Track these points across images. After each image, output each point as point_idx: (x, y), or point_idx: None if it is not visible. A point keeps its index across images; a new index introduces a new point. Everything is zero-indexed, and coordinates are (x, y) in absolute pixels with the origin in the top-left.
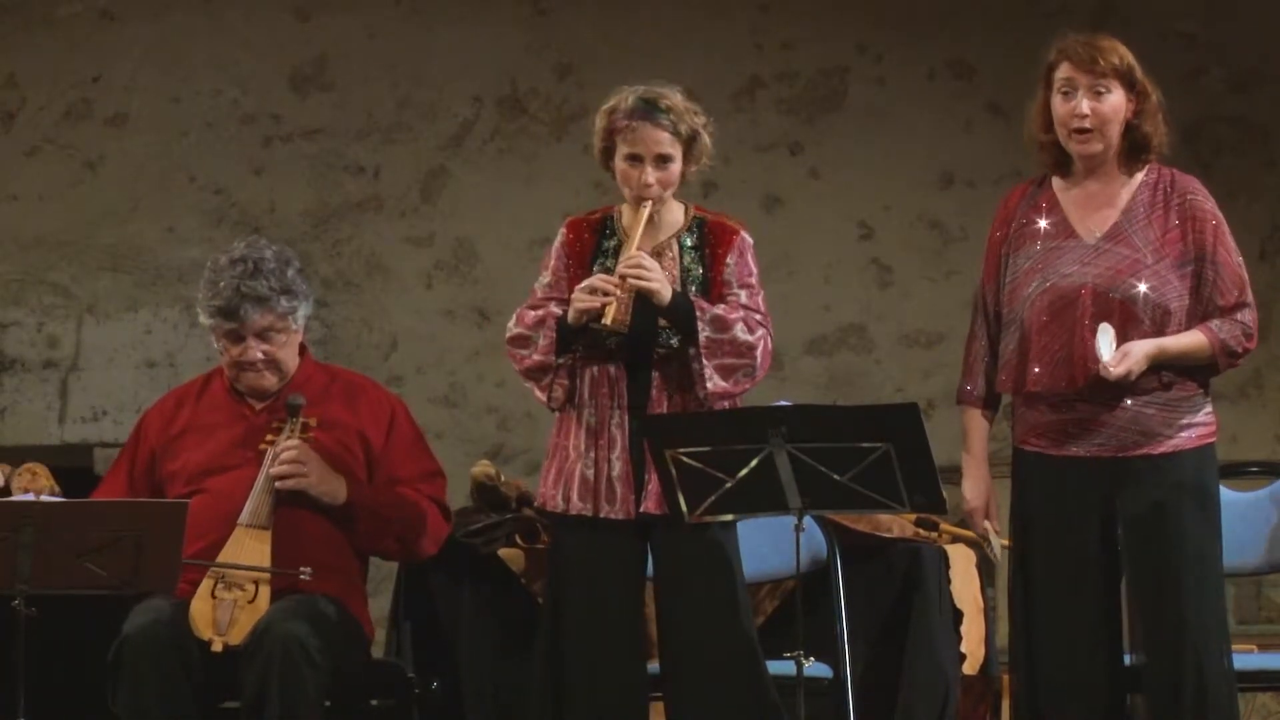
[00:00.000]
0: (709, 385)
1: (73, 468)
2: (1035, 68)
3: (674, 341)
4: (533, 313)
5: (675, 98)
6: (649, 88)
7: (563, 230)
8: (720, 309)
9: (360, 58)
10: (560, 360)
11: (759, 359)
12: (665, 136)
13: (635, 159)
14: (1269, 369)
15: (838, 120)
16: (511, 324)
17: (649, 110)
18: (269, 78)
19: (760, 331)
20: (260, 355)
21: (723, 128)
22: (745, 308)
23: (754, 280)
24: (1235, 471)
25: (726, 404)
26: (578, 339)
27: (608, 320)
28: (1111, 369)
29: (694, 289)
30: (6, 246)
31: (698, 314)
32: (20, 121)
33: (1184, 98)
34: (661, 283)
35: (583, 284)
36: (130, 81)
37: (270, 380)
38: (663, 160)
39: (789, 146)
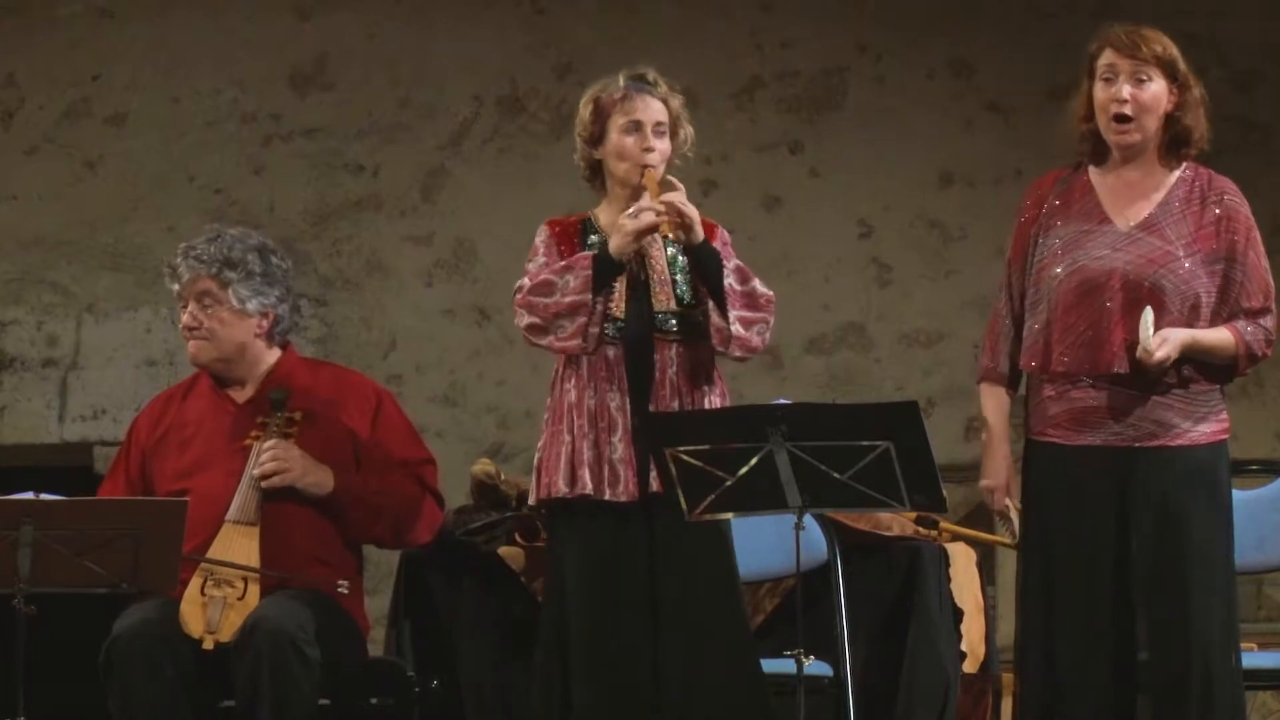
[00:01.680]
0: (733, 329)
1: (72, 466)
2: (1035, 67)
3: (673, 323)
4: (552, 267)
5: (661, 77)
6: (636, 69)
7: (544, 228)
8: (739, 262)
9: (360, 57)
10: (597, 299)
11: (771, 318)
12: (659, 106)
13: (635, 125)
14: (1269, 368)
15: (838, 119)
16: (525, 281)
17: (640, 82)
18: (269, 77)
19: (771, 293)
20: (192, 319)
21: (723, 127)
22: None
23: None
24: (1236, 469)
25: (739, 355)
26: (616, 277)
27: (669, 233)
28: (1154, 352)
29: (681, 279)
30: (6, 245)
31: (724, 261)
32: (20, 120)
33: None
34: (697, 222)
35: (629, 210)
36: (130, 81)
37: (204, 351)
38: (661, 130)
39: (789, 146)
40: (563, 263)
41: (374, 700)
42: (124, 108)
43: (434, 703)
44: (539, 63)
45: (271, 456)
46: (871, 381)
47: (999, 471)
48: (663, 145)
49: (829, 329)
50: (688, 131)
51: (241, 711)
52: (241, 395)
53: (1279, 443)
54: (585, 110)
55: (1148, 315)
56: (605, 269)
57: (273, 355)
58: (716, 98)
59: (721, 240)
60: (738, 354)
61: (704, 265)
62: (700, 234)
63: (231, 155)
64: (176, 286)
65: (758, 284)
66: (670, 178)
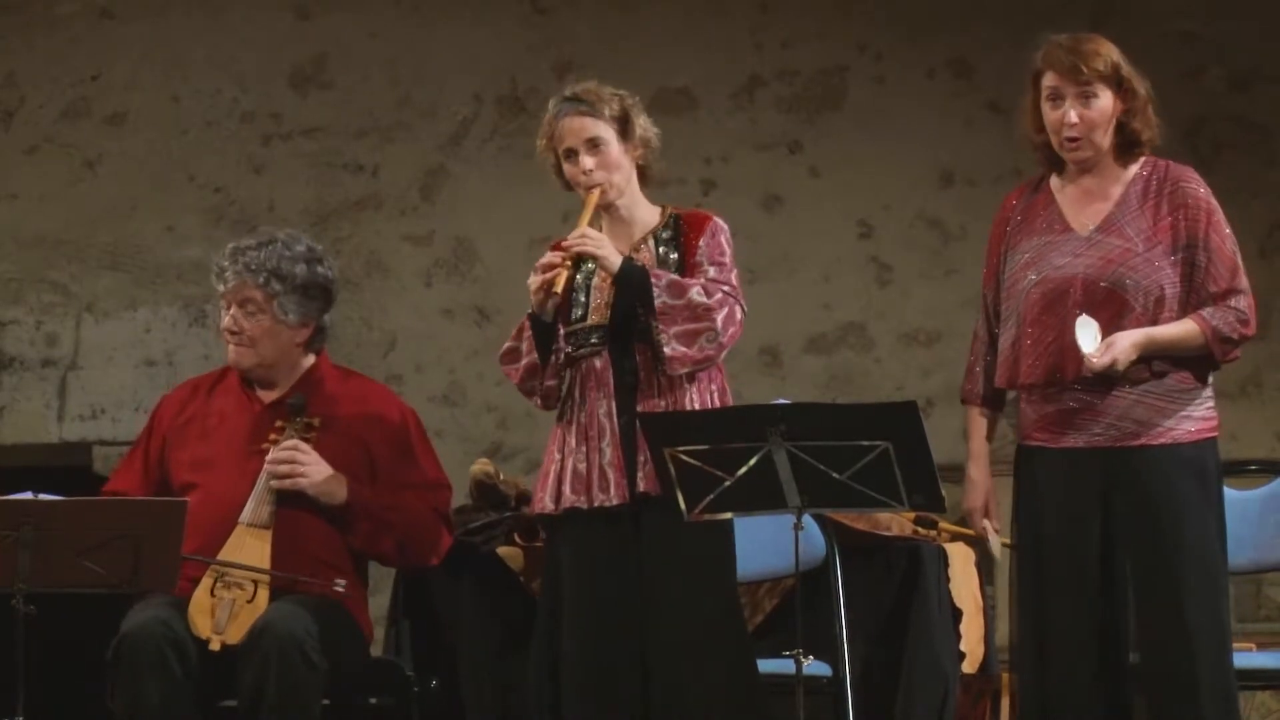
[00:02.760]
0: (666, 351)
1: (71, 466)
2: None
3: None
4: (514, 332)
5: (591, 85)
6: (568, 88)
7: (548, 253)
8: (676, 276)
9: (360, 56)
10: (546, 359)
11: (720, 323)
12: (587, 121)
13: (570, 154)
14: (1268, 367)
15: (838, 119)
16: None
17: (567, 104)
18: (269, 76)
19: (719, 295)
20: (233, 323)
21: (722, 126)
22: (712, 280)
23: (725, 259)
24: (1235, 469)
25: (686, 370)
26: (554, 332)
27: (559, 289)
28: (1094, 360)
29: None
30: (6, 245)
31: (652, 280)
32: (19, 120)
33: (1183, 96)
34: (608, 250)
35: (534, 268)
36: (129, 80)
37: (245, 357)
38: (594, 144)
39: (789, 145)
40: (518, 326)
41: (373, 700)
42: (124, 107)
43: (433, 703)
44: (539, 62)
45: (288, 458)
46: (871, 381)
47: (978, 494)
48: (601, 157)
49: (829, 328)
50: (640, 124)
51: (243, 712)
52: (269, 396)
53: (1278, 443)
54: (540, 144)
55: (1085, 326)
56: (539, 330)
57: (307, 361)
58: (716, 97)
59: (712, 231)
60: (679, 370)
61: (629, 291)
62: (614, 263)
63: (231, 154)
64: (222, 287)
65: (695, 294)
66: (587, 227)
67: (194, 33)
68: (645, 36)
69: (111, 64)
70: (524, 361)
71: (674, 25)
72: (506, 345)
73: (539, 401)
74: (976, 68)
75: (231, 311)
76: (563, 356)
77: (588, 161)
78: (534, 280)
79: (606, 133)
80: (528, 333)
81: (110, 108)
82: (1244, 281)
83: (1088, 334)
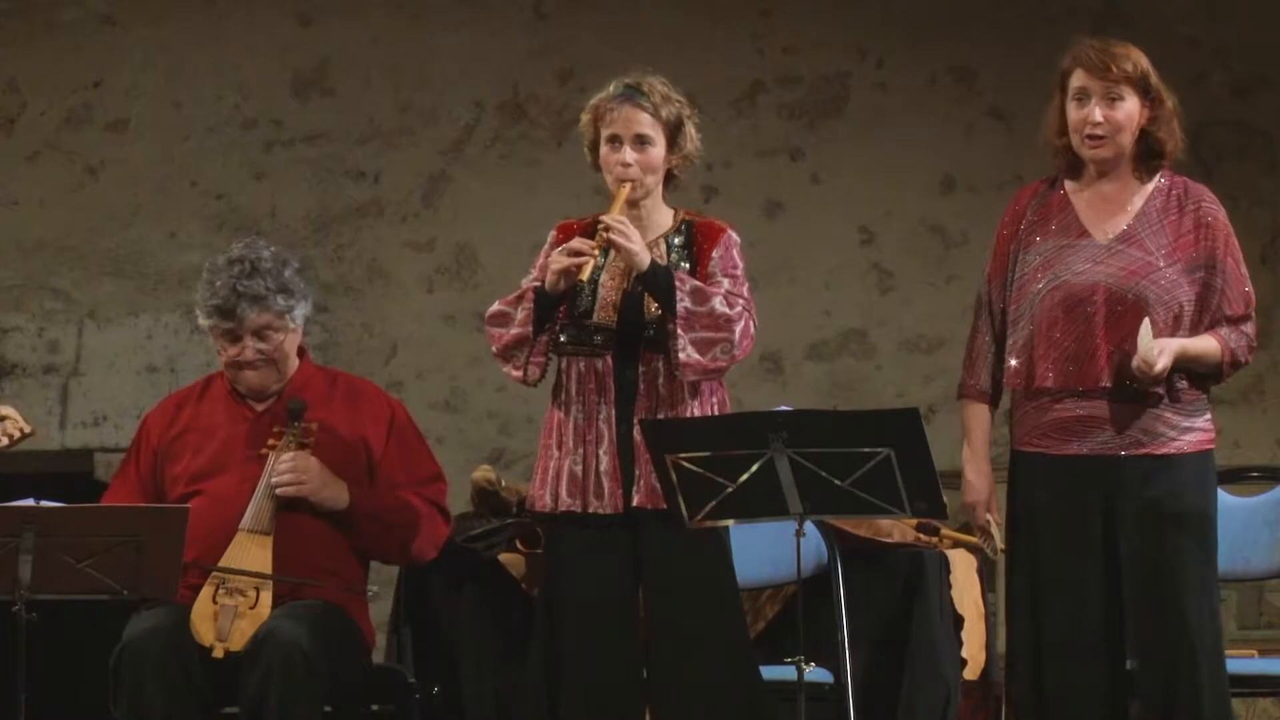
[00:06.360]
0: (681, 356)
1: (73, 473)
2: (1037, 72)
3: (658, 330)
4: (508, 297)
5: (658, 84)
6: (634, 76)
7: (553, 232)
8: (699, 282)
9: (361, 63)
10: (539, 335)
11: (737, 336)
12: (645, 117)
13: (615, 140)
14: (1270, 374)
15: (839, 125)
16: (495, 305)
17: (630, 93)
18: (270, 83)
19: (739, 308)
20: (257, 354)
21: (724, 133)
22: (729, 293)
23: (739, 272)
24: (1236, 476)
25: (696, 378)
26: (555, 311)
27: (584, 277)
28: (1154, 364)
29: None
30: (8, 252)
31: (677, 284)
32: (21, 126)
33: (1186, 102)
34: (640, 246)
35: (560, 247)
36: (131, 86)
37: (269, 378)
38: (641, 141)
39: (790, 152)
40: (519, 291)
41: (375, 707)
42: (125, 113)
43: (435, 709)
44: (541, 68)
45: (290, 468)
46: (872, 388)
47: (980, 488)
48: (644, 156)
49: (830, 335)
50: (690, 136)
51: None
52: (261, 404)
53: (1279, 449)
54: (585, 118)
55: (1146, 326)
56: (543, 304)
57: (295, 364)
58: (718, 104)
59: (725, 244)
60: (691, 377)
61: (652, 292)
62: (644, 261)
63: (233, 161)
64: (230, 324)
65: (718, 303)
66: (621, 217)
67: (195, 39)
68: (646, 42)
69: (113, 70)
70: (513, 331)
71: (675, 31)
72: (498, 307)
73: (516, 373)
74: (978, 74)
75: (246, 342)
76: (553, 340)
77: (630, 155)
78: (559, 261)
79: (656, 134)
80: (527, 303)
81: (112, 114)
82: (1253, 309)
83: (1148, 336)
